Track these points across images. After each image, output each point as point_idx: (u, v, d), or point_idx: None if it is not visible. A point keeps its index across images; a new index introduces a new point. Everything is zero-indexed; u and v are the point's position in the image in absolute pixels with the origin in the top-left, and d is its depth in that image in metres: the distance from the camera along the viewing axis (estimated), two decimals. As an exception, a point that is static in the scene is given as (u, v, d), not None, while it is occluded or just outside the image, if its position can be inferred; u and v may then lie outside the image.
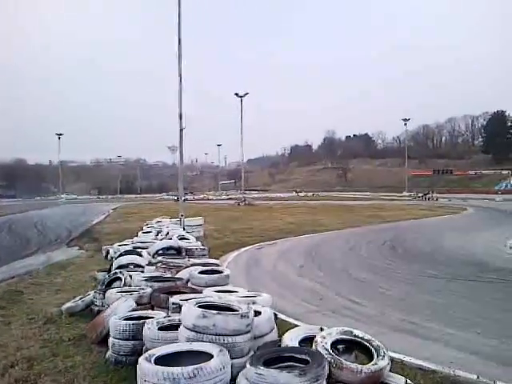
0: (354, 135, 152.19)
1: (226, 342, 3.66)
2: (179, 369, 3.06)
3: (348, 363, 3.44)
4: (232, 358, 3.49)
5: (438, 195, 61.47)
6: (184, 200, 21.99)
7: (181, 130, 19.14)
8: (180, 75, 19.35)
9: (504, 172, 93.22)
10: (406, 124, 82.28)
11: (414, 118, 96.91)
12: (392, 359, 4.72)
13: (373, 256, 13.68)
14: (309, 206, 45.34)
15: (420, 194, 63.69)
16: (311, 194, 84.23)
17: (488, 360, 5.15)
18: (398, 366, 4.54)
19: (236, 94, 54.64)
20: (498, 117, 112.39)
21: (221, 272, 6.88)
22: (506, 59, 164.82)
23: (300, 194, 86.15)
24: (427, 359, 5.01)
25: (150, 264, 8.39)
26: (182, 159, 21.39)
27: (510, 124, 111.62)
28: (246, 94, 54.39)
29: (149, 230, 15.31)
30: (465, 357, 5.24)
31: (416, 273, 10.94)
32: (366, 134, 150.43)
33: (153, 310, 5.48)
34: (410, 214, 31.93)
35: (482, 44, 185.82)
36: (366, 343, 3.78)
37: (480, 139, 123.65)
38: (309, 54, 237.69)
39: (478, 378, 4.50)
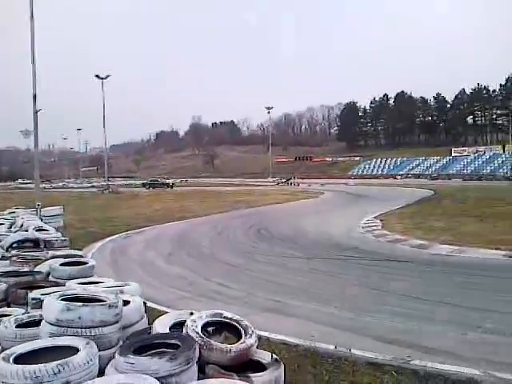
0: (221, 122, 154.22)
1: (93, 334, 3.51)
2: (41, 366, 2.87)
3: (218, 344, 3.52)
4: (101, 350, 3.37)
5: (300, 180, 65.05)
6: (41, 188, 20.41)
7: (35, 112, 17.69)
8: (33, 53, 17.80)
9: (356, 158, 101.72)
10: (269, 112, 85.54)
11: (276, 107, 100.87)
12: (259, 337, 4.97)
13: (239, 240, 14.10)
14: (176, 192, 45.05)
15: (283, 180, 66.87)
16: (179, 180, 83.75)
17: (344, 331, 5.65)
18: (265, 343, 4.78)
19: (97, 76, 51.94)
20: (351, 107, 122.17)
21: (85, 263, 6.54)
22: (354, 56, 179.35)
23: (167, 180, 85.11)
24: (291, 334, 5.35)
25: (3, 258, 7.68)
26: (36, 144, 19.70)
27: (361, 114, 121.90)
28: (108, 76, 52.00)
29: (0, 222, 13.95)
30: (324, 330, 5.69)
31: (280, 254, 11.51)
32: (232, 122, 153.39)
33: (9, 307, 5.05)
34: (275, 198, 33.39)
35: (342, 43, 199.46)
36: (234, 323, 3.90)
37: (336, 128, 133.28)
38: (175, 40, 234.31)
39: (335, 348, 4.92)
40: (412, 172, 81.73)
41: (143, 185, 61.80)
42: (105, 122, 52.67)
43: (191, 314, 4.12)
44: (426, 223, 16.43)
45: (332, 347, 4.92)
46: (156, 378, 2.99)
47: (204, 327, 3.87)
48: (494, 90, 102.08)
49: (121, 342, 3.81)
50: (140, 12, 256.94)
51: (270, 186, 57.85)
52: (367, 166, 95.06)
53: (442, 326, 5.71)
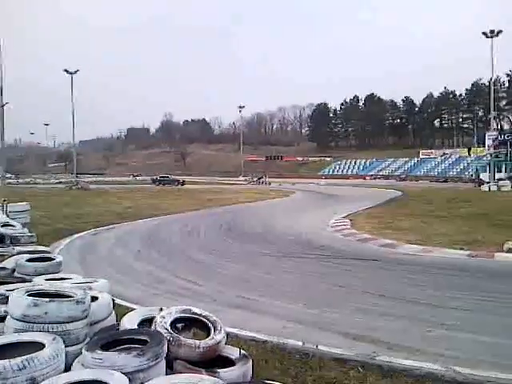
0: (192, 120, 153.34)
1: (60, 329, 3.48)
2: (6, 361, 2.83)
3: (186, 340, 3.54)
4: (68, 346, 3.35)
5: (271, 180, 65.36)
6: (7, 184, 19.92)
7: (1, 106, 17.27)
8: None
9: (327, 159, 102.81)
10: (240, 111, 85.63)
11: (248, 106, 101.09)
12: (228, 333, 5.00)
13: (210, 238, 14.10)
14: (148, 189, 44.61)
15: (254, 179, 67.05)
16: (149, 177, 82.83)
17: (311, 327, 5.73)
18: (234, 340, 4.81)
19: (66, 71, 50.96)
20: (322, 108, 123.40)
21: (52, 259, 6.44)
22: (325, 57, 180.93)
23: (138, 177, 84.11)
24: (259, 331, 5.40)
25: (-34, 254, 7.49)
26: (2, 138, 19.33)
27: (331, 115, 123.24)
28: (77, 71, 51.13)
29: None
30: (293, 326, 5.75)
31: (250, 252, 11.58)
32: (204, 120, 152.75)
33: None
34: (246, 197, 33.47)
35: (313, 44, 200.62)
36: (203, 319, 3.93)
37: (307, 128, 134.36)
38: (148, 37, 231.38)
39: (303, 344, 5.00)
40: (381, 173, 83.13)
41: (153, 181, 59.53)
42: (74, 117, 51.79)
43: (161, 310, 4.13)
44: (394, 223, 16.75)
45: (300, 343, 5.00)
46: (123, 373, 3.00)
47: (173, 323, 3.89)
48: (461, 95, 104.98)
49: (88, 338, 3.79)
50: (112, 8, 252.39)
51: (242, 185, 57.92)
52: (337, 167, 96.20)
53: (406, 322, 5.86)
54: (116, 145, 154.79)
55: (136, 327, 3.87)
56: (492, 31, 41.31)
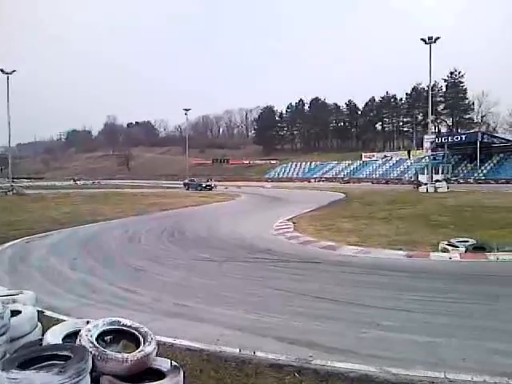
0: (136, 122, 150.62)
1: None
2: None
3: (113, 353, 3.39)
4: (-18, 365, 3.11)
5: (217, 183, 65.10)
6: None
7: None
8: None
9: (273, 162, 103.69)
10: (186, 113, 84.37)
11: (194, 109, 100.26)
12: (163, 343, 4.87)
13: (151, 244, 13.78)
14: (88, 194, 43.25)
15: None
16: (91, 182, 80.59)
17: (250, 334, 5.67)
18: (168, 350, 4.69)
19: (1, 71, 48.71)
20: (268, 111, 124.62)
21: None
22: (272, 60, 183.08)
23: (78, 182, 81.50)
24: (196, 339, 5.28)
25: None
26: None
27: (277, 118, 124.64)
28: (14, 71, 48.99)
29: None
30: (230, 333, 5.67)
31: (192, 257, 11.38)
32: (149, 122, 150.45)
33: None
34: (191, 201, 33.11)
35: (260, 47, 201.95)
36: (133, 331, 3.78)
37: (253, 131, 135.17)
38: (88, 38, 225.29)
39: (240, 351, 4.92)
40: (325, 176, 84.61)
41: (184, 185, 56.87)
42: (10, 120, 49.52)
43: (87, 322, 3.94)
44: (336, 225, 17.05)
45: (236, 350, 4.93)
46: (43, 392, 2.82)
47: (101, 336, 3.71)
48: (401, 99, 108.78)
49: (8, 355, 3.55)
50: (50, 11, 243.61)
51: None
52: (283, 170, 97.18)
53: (343, 325, 5.92)
54: (56, 148, 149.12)
55: (60, 342, 3.67)
56: (430, 38, 42.92)
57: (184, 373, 3.65)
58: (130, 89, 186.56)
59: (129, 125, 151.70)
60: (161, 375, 3.50)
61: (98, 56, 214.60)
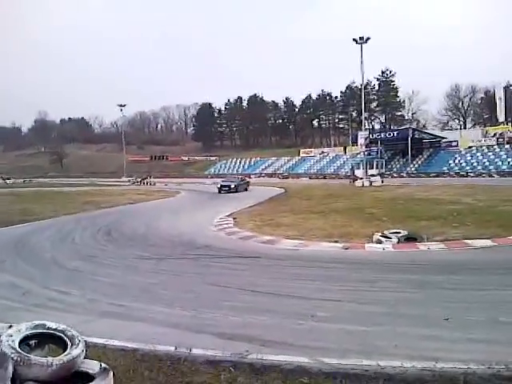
0: (70, 118, 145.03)
1: None
2: None
3: (37, 358, 3.21)
4: None
5: (156, 180, 64.04)
6: None
7: None
8: None
9: (212, 158, 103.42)
10: (121, 110, 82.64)
11: (130, 105, 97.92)
12: (95, 345, 4.69)
13: (87, 243, 13.31)
14: (18, 193, 41.18)
15: (138, 179, 65.23)
16: (22, 180, 76.85)
17: (186, 331, 5.58)
18: (100, 351, 4.51)
19: None
20: (206, 108, 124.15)
21: None
22: (208, 57, 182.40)
23: (8, 181, 77.43)
24: (130, 339, 5.13)
25: None
26: None
27: (216, 115, 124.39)
28: None
29: None
30: (166, 331, 5.55)
31: (129, 256, 11.09)
32: (83, 118, 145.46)
33: None
34: (129, 198, 32.36)
35: (195, 44, 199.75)
36: (60, 334, 3.60)
37: (192, 128, 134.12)
38: (20, 30, 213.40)
39: (175, 348, 4.82)
40: (265, 171, 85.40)
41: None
42: None
43: (10, 326, 3.71)
44: (275, 220, 17.22)
45: (172, 349, 4.82)
46: (-43, 405, 2.61)
47: (25, 340, 3.51)
48: (336, 97, 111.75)
49: None
50: None
51: (125, 186, 55.96)
52: (223, 166, 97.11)
53: (279, 317, 5.95)
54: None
55: (-21, 349, 3.44)
56: (361, 38, 44.42)
57: (115, 374, 3.52)
58: (62, 83, 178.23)
59: (61, 121, 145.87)
60: (89, 378, 3.36)
61: (30, 46, 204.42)
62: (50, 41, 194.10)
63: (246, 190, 39.90)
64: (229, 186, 38.16)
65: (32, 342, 3.59)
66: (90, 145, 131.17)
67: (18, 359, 3.16)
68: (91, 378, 3.34)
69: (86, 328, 4.94)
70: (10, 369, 3.01)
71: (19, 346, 3.34)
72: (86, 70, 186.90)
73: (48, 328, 3.63)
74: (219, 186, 38.98)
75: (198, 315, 6.17)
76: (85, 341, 3.65)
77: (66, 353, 3.38)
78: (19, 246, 12.94)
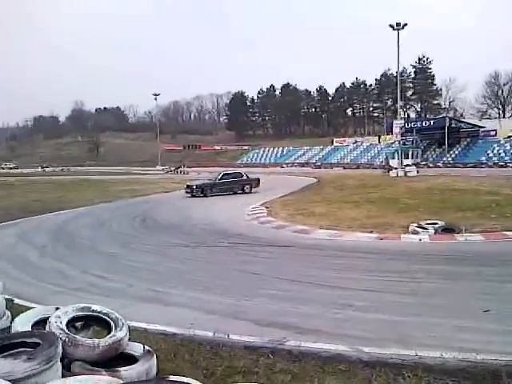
0: (105, 108, 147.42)
1: None
2: None
3: (84, 339, 3.33)
4: None
5: (189, 169, 64.62)
6: None
7: None
8: None
9: (245, 147, 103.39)
10: (156, 99, 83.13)
11: (164, 94, 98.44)
12: (136, 329, 4.81)
13: (123, 230, 13.62)
14: (57, 181, 42.31)
15: (172, 168, 65.95)
16: (60, 169, 78.86)
17: (224, 317, 5.67)
18: (141, 335, 4.62)
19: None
20: (239, 97, 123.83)
21: None
22: (242, 45, 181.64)
23: (47, 169, 79.59)
24: (169, 324, 5.25)
25: None
26: None
27: (249, 104, 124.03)
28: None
29: None
30: (205, 317, 5.66)
31: (164, 243, 11.30)
32: (118, 108, 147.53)
33: None
34: (163, 187, 32.73)
35: (230, 32, 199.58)
36: (104, 317, 3.71)
37: (225, 117, 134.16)
38: (53, 23, 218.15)
39: (214, 334, 4.90)
40: (297, 161, 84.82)
41: None
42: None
43: (57, 309, 3.85)
44: (309, 209, 17.13)
45: (211, 334, 4.90)
46: (11, 380, 2.73)
47: (71, 322, 3.64)
48: (371, 85, 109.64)
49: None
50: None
51: (159, 175, 56.71)
52: (255, 155, 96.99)
53: (316, 306, 5.96)
54: (22, 134, 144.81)
55: (29, 329, 3.59)
56: (398, 24, 43.23)
57: (157, 357, 3.61)
58: (98, 74, 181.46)
59: (97, 110, 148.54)
60: (133, 360, 3.46)
61: (62, 41, 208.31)
62: (88, 32, 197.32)
63: (235, 192, 26.81)
64: (192, 189, 26.08)
65: (78, 324, 3.72)
66: (125, 134, 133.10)
67: (66, 340, 3.28)
68: (135, 359, 3.44)
69: (126, 312, 5.04)
70: (60, 348, 3.12)
71: (66, 328, 3.46)
72: (122, 59, 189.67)
73: (93, 310, 3.75)
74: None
75: (234, 302, 6.25)
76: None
77: (110, 335, 3.49)
78: (59, 232, 13.36)
